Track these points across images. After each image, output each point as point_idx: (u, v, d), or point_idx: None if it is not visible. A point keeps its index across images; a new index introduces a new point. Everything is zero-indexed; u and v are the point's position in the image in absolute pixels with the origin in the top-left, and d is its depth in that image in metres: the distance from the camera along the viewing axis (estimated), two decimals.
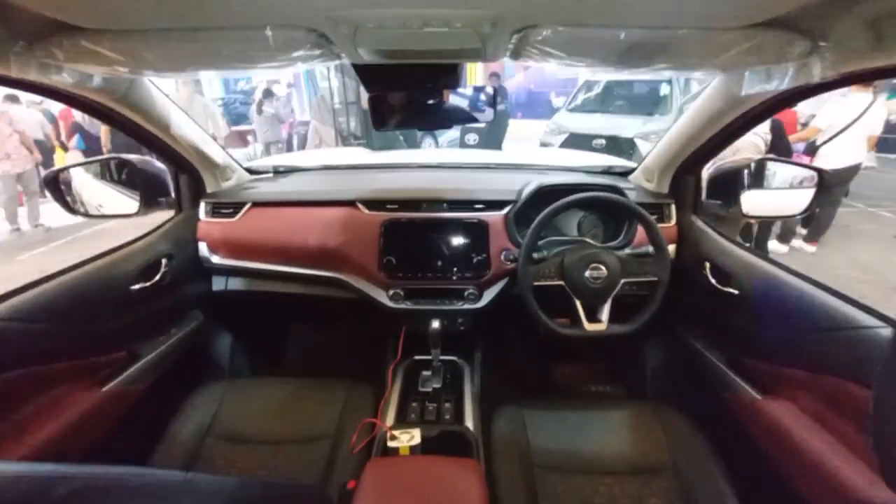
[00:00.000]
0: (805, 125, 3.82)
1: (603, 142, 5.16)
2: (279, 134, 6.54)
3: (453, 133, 6.87)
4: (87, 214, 1.26)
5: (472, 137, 5.91)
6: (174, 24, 0.60)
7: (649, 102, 5.79)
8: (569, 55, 0.68)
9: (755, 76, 0.73)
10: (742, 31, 0.61)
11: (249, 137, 7.09)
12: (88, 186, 1.26)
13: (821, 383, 0.82)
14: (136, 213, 1.28)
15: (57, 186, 1.17)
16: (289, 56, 0.68)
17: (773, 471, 0.89)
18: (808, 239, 3.88)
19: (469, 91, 1.05)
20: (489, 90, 1.06)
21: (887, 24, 0.55)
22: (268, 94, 6.31)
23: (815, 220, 3.84)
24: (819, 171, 1.15)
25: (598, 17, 0.59)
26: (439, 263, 1.24)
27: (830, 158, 3.40)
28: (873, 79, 0.65)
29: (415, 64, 0.84)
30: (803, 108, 4.19)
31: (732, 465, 0.94)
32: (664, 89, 5.79)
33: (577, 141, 5.30)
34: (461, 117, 1.05)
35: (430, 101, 0.98)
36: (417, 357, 1.33)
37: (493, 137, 5.84)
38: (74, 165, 1.23)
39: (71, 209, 1.21)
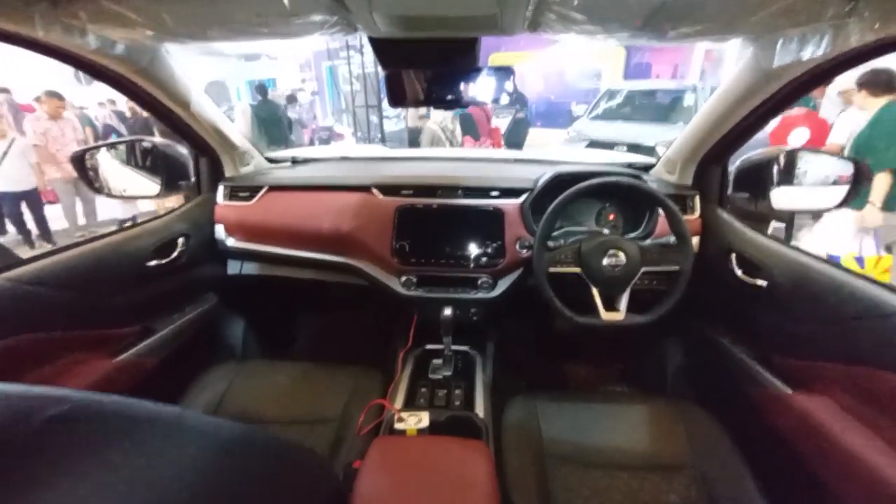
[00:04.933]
0: None
1: (624, 149, 5.08)
2: (301, 138, 6.72)
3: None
4: (110, 194, 1.29)
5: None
6: None
7: (672, 111, 5.69)
8: (590, 19, 0.65)
9: (789, 45, 0.69)
10: None
11: None
12: (114, 169, 1.30)
13: (858, 375, 0.76)
14: (158, 195, 1.31)
15: (83, 166, 1.20)
16: (305, 20, 0.68)
17: (804, 469, 0.83)
18: None
19: (488, 76, 1.03)
20: (509, 74, 1.04)
21: None
22: (291, 99, 6.49)
23: None
24: (855, 161, 1.09)
25: None
26: (453, 251, 1.22)
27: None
28: None
29: (431, 39, 0.83)
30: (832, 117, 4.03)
31: (758, 463, 0.87)
32: (688, 98, 5.69)
33: (597, 148, 5.24)
34: (478, 97, 1.03)
35: (447, 79, 0.97)
36: (429, 346, 1.31)
37: (512, 144, 5.83)
38: (101, 145, 1.27)
39: (95, 188, 1.25)
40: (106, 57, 0.83)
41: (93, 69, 0.88)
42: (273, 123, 5.75)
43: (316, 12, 0.67)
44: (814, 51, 0.66)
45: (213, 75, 9.63)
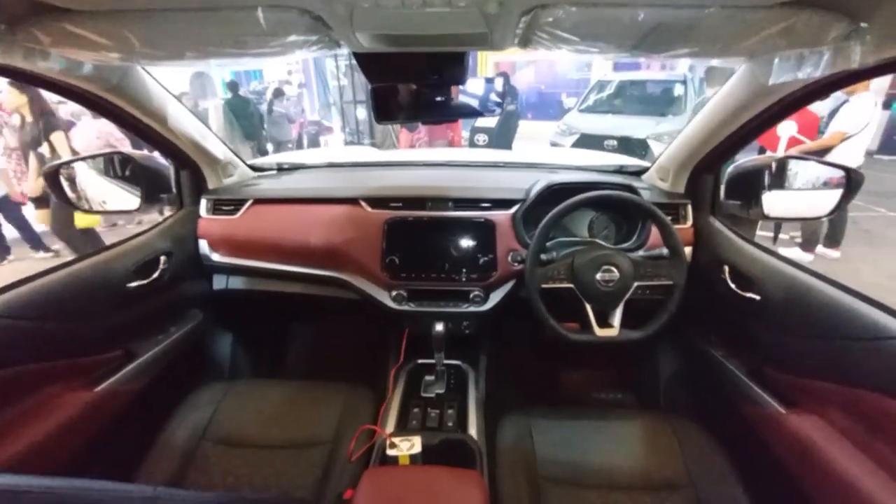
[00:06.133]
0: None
1: (615, 143, 5.07)
2: (289, 133, 6.60)
3: (463, 133, 6.84)
4: (89, 210, 1.25)
5: (481, 138, 5.86)
6: (160, 5, 0.57)
7: (662, 103, 5.70)
8: (582, 39, 0.63)
9: (785, 63, 0.67)
10: (774, 10, 0.55)
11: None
12: (91, 182, 1.25)
13: (852, 397, 0.76)
14: (138, 209, 1.26)
15: (57, 181, 1.15)
16: (283, 41, 0.64)
17: (798, 490, 0.83)
18: (828, 245, 3.76)
19: (478, 84, 1.00)
20: (499, 84, 1.02)
21: None
22: (278, 93, 6.38)
23: (829, 225, 3.73)
24: (847, 169, 1.08)
25: None
26: (444, 264, 1.20)
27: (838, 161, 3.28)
28: None
29: (418, 53, 0.80)
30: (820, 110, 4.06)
31: (753, 482, 0.87)
32: (678, 90, 5.69)
33: (588, 142, 5.23)
34: (468, 111, 1.00)
35: (436, 93, 0.93)
36: (420, 361, 1.29)
37: (503, 138, 5.79)
38: (76, 160, 1.22)
39: (72, 204, 1.20)
40: (73, 77, 0.78)
41: (59, 89, 0.84)
42: (244, 118, 5.92)
43: (295, 32, 0.63)
44: (812, 71, 0.64)
45: (196, 67, 9.43)
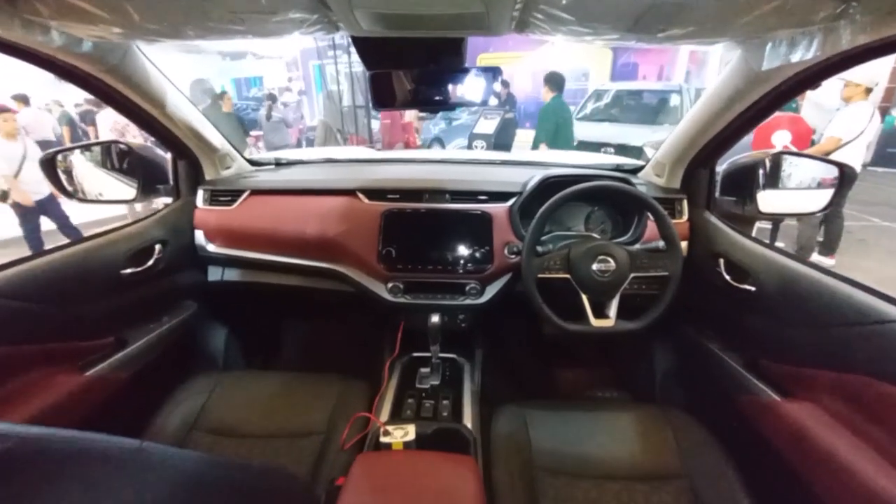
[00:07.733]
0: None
1: (612, 150, 5.13)
2: (287, 138, 6.62)
3: (461, 141, 6.90)
4: (83, 199, 1.24)
5: (480, 144, 5.90)
6: None
7: (659, 112, 5.77)
8: (578, 20, 0.64)
9: (777, 47, 0.68)
10: None
11: (260, 144, 7.18)
12: (88, 173, 1.25)
13: (848, 382, 0.76)
14: (134, 200, 1.26)
15: (53, 169, 1.15)
16: (282, 18, 0.65)
17: (794, 478, 0.82)
18: (823, 252, 3.79)
19: (478, 80, 1.01)
20: (496, 74, 1.02)
21: None
22: (272, 98, 6.40)
23: (825, 234, 3.76)
24: (840, 165, 1.10)
25: None
26: (440, 256, 1.20)
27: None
28: None
29: (416, 39, 0.81)
30: (816, 123, 4.09)
31: (749, 471, 0.87)
32: (674, 100, 5.77)
33: (585, 149, 5.26)
34: (463, 100, 1.01)
35: (433, 81, 0.94)
36: (416, 354, 1.28)
37: (501, 145, 5.82)
38: (74, 147, 1.22)
39: (67, 193, 1.19)
40: (72, 55, 0.78)
41: (58, 68, 0.83)
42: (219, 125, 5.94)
43: (294, 10, 0.64)
44: (803, 54, 0.65)
45: (196, 73, 9.50)
